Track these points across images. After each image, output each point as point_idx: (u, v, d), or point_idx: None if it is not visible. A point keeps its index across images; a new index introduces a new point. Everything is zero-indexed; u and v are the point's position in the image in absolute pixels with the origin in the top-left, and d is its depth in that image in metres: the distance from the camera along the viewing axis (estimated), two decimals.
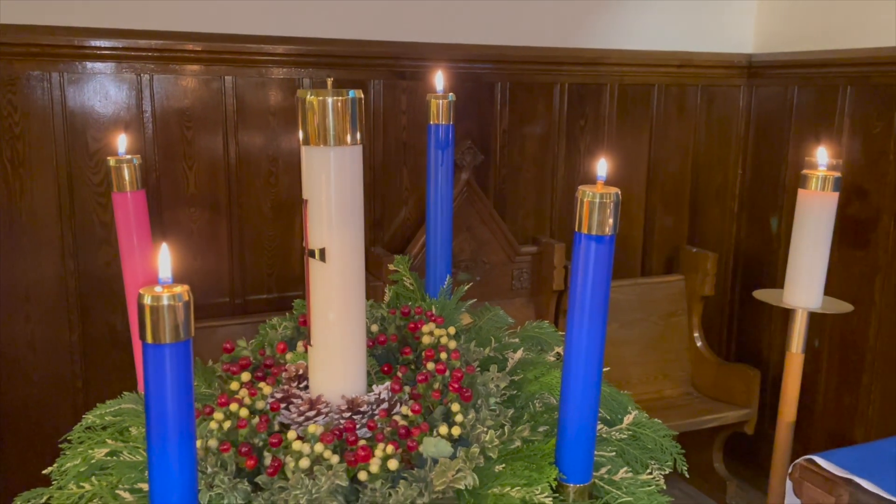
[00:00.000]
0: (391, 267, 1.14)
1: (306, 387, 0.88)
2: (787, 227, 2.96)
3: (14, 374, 2.35)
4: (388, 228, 2.68)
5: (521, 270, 2.73)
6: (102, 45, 2.28)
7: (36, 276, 2.34)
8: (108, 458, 0.83)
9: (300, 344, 0.94)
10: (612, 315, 2.91)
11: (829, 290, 2.81)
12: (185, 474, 0.63)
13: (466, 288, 1.07)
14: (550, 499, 0.71)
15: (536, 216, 2.90)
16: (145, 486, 0.78)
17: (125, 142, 0.95)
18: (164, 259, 0.62)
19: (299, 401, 0.83)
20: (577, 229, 0.71)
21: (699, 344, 3.00)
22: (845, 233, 2.74)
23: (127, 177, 0.92)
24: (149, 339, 0.61)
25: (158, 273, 0.62)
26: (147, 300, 0.61)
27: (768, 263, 3.07)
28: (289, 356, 0.93)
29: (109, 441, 0.85)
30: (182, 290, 0.62)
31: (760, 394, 2.83)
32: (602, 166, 0.71)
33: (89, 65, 2.29)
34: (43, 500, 0.87)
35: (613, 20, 2.87)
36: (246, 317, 2.49)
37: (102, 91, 2.33)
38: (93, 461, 0.84)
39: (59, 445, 0.94)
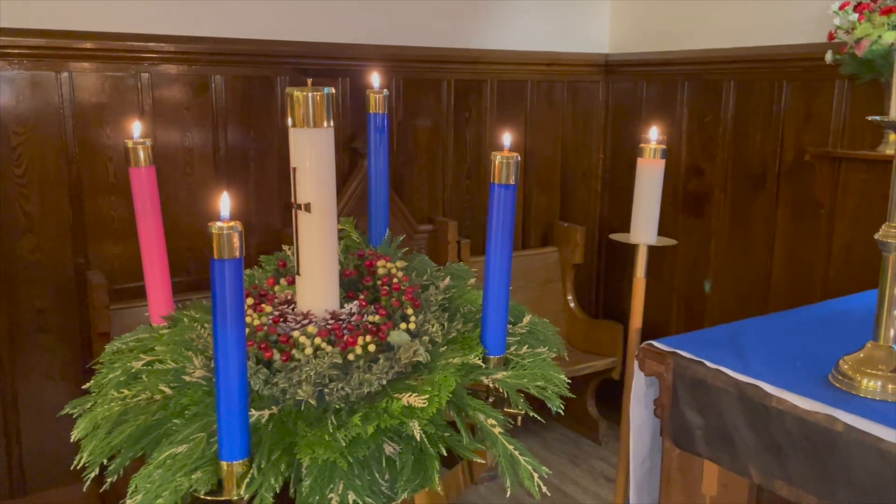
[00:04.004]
0: (339, 226, 1.45)
1: (293, 309, 1.18)
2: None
3: None
4: None
5: (419, 246, 3.07)
6: (20, 44, 2.39)
7: None
8: (144, 367, 1.10)
9: (283, 280, 1.24)
10: None
11: (676, 252, 3.33)
12: (239, 349, 0.92)
13: (402, 238, 1.40)
14: (479, 361, 1.06)
15: (430, 198, 3.24)
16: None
17: (140, 128, 1.21)
18: (225, 203, 0.92)
19: (293, 315, 1.13)
20: (492, 181, 1.06)
21: (572, 305, 3.45)
22: (687, 205, 3.27)
23: (142, 155, 1.18)
24: (216, 256, 0.90)
25: (221, 212, 0.91)
26: (214, 230, 0.90)
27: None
28: (276, 288, 1.23)
29: (143, 355, 1.11)
30: (236, 223, 0.91)
31: (624, 344, 3.31)
32: (507, 138, 1.06)
33: (7, 64, 2.41)
34: (88, 406, 1.11)
35: (491, 23, 3.26)
36: None
37: (22, 90, 2.44)
38: (132, 370, 1.10)
39: (91, 367, 1.18)
